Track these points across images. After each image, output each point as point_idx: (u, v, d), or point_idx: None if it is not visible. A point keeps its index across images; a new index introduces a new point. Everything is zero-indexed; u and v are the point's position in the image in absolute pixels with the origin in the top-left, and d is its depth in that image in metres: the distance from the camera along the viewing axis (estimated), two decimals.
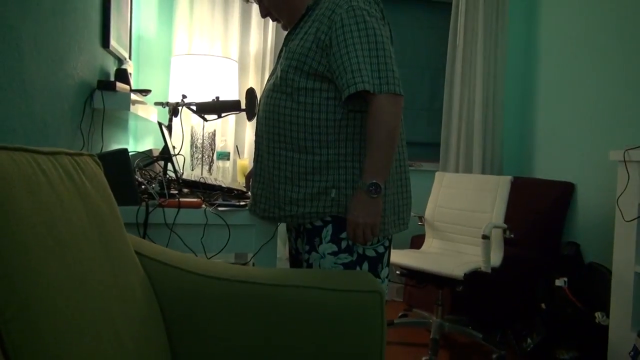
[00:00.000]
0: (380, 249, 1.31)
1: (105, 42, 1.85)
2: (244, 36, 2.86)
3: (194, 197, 1.47)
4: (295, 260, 1.47)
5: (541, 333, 2.30)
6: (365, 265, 1.29)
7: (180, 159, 2.38)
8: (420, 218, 2.69)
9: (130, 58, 2.30)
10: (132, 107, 1.67)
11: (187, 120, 2.68)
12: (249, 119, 1.98)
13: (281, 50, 1.36)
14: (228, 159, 2.33)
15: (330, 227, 1.28)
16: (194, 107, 2.07)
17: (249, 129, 2.85)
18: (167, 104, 2.18)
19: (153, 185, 1.46)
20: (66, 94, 1.43)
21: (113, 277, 0.72)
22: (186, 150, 2.64)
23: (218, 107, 2.04)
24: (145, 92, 1.97)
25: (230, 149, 2.74)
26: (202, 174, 2.35)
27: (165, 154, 1.67)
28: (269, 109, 1.30)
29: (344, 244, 1.27)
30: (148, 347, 0.77)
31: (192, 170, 2.44)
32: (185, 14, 2.76)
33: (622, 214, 2.06)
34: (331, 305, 1.03)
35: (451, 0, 3.12)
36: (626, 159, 2.04)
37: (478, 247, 2.32)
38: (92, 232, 0.70)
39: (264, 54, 2.87)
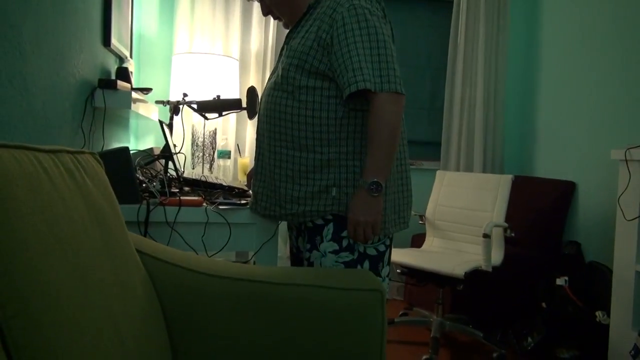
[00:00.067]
0: (381, 248, 1.31)
1: (106, 40, 1.85)
2: (245, 35, 2.86)
3: (194, 196, 1.47)
4: (296, 258, 1.47)
5: (542, 332, 2.30)
6: (366, 264, 1.29)
7: (181, 157, 2.38)
8: (421, 217, 2.69)
9: (131, 56, 2.30)
10: (133, 106, 1.67)
11: (188, 118, 2.68)
12: (250, 117, 1.98)
13: (282, 49, 1.36)
14: (229, 158, 2.33)
15: (331, 225, 1.28)
16: (194, 106, 2.07)
17: (250, 128, 2.85)
18: (168, 102, 2.18)
19: (154, 183, 1.46)
20: (67, 92, 1.43)
21: (114, 275, 0.72)
22: (187, 148, 2.64)
23: (219, 106, 2.04)
24: (146, 90, 1.97)
25: (231, 147, 2.74)
26: (203, 173, 2.35)
27: (166, 153, 1.67)
28: (270, 107, 1.31)
29: (345, 243, 1.27)
30: (149, 345, 0.78)
31: (193, 168, 2.44)
32: (186, 13, 2.76)
33: (623, 213, 2.06)
34: (332, 303, 1.03)
35: None
36: (627, 158, 2.03)
37: (479, 245, 2.32)
38: (93, 230, 0.70)
39: (265, 53, 2.87)
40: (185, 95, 2.15)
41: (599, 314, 2.18)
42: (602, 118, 2.63)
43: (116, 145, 2.12)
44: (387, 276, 1.35)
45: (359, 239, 1.23)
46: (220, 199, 1.45)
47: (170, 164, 1.69)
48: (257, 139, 1.39)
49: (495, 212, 2.40)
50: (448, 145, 3.15)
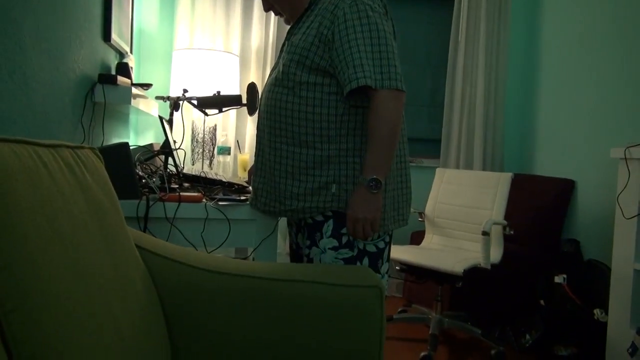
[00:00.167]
0: (381, 245, 1.31)
1: (106, 35, 1.85)
2: (246, 31, 2.85)
3: (194, 192, 1.47)
4: (296, 255, 1.48)
5: (540, 329, 2.31)
6: (366, 261, 1.29)
7: (181, 153, 2.38)
8: (421, 214, 2.69)
9: (131, 52, 2.30)
10: (133, 101, 1.67)
11: (188, 114, 2.68)
12: (250, 113, 1.98)
13: (283, 45, 1.36)
14: (229, 154, 2.33)
15: (331, 222, 1.28)
16: (195, 102, 2.07)
17: (250, 124, 2.85)
18: (168, 98, 2.18)
19: (154, 179, 1.46)
20: (67, 87, 1.43)
21: (114, 270, 0.72)
22: (187, 144, 2.64)
23: (219, 102, 2.04)
24: (146, 86, 1.97)
25: (231, 143, 2.74)
26: (202, 169, 2.35)
27: (166, 149, 1.67)
28: (271, 103, 1.30)
29: (344, 239, 1.27)
30: (148, 340, 0.78)
31: (193, 164, 2.44)
32: (186, 8, 2.75)
33: (622, 211, 2.06)
34: (331, 299, 1.03)
35: None
36: (627, 157, 2.03)
37: (478, 243, 2.32)
38: (92, 225, 0.70)
39: (266, 49, 2.86)
40: (185, 91, 2.15)
41: (597, 311, 2.19)
42: (601, 117, 2.63)
43: (116, 140, 2.12)
44: (387, 273, 1.35)
45: (358, 235, 1.24)
46: (220, 195, 1.45)
47: (170, 160, 1.69)
48: (257, 135, 1.39)
49: (494, 209, 2.40)
50: (448, 142, 3.15)
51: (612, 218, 2.21)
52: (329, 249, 1.28)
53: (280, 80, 1.28)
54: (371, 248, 1.29)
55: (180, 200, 1.35)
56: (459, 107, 3.10)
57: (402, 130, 1.33)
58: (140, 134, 2.75)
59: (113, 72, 1.97)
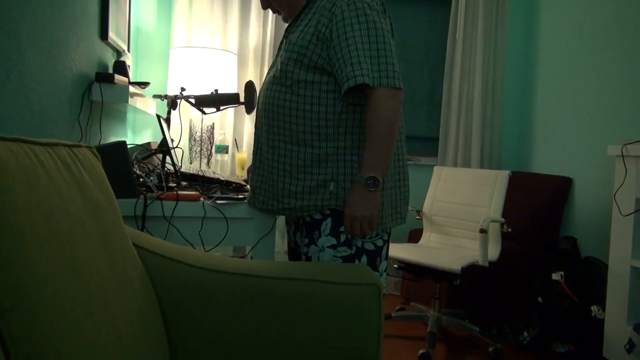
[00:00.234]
0: (379, 243, 1.32)
1: (103, 34, 1.84)
2: (243, 29, 2.85)
3: (192, 190, 1.47)
4: (294, 253, 1.48)
5: (537, 326, 2.32)
6: (364, 259, 1.29)
7: (178, 152, 2.38)
8: (419, 212, 2.70)
9: (129, 50, 2.29)
10: (130, 100, 1.67)
11: (186, 113, 2.67)
12: (248, 112, 1.98)
13: (281, 43, 1.36)
14: (226, 152, 2.33)
15: (329, 220, 1.28)
16: (192, 100, 2.07)
17: (248, 123, 2.84)
18: (166, 96, 2.18)
19: (151, 178, 1.46)
20: (64, 85, 1.42)
21: (111, 269, 0.72)
22: (185, 143, 2.64)
23: (217, 100, 2.04)
24: (143, 84, 1.96)
25: (229, 142, 2.74)
26: (200, 168, 2.35)
27: (164, 147, 1.67)
28: (269, 102, 1.30)
29: (343, 237, 1.27)
30: (145, 339, 0.78)
31: (191, 163, 2.44)
32: (184, 7, 2.75)
33: (619, 208, 2.07)
34: (329, 297, 1.03)
35: None
36: (624, 154, 2.04)
37: (476, 241, 2.33)
38: (90, 224, 0.70)
39: (263, 47, 2.86)
40: (183, 89, 2.14)
41: (594, 308, 2.20)
42: (599, 114, 2.63)
43: (113, 139, 2.11)
44: (385, 271, 1.35)
45: (355, 233, 1.24)
46: (218, 194, 1.45)
47: (168, 159, 1.69)
48: (255, 133, 1.39)
49: (492, 207, 2.41)
50: (446, 140, 3.15)
51: (609, 215, 2.22)
52: (327, 247, 1.28)
53: (278, 78, 1.28)
54: (369, 246, 1.30)
55: (178, 198, 1.35)
56: (457, 106, 3.10)
57: (399, 129, 1.33)
58: (138, 133, 2.74)
59: (110, 71, 1.97)
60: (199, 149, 2.41)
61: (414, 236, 2.86)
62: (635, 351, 1.94)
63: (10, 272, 0.53)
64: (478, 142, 3.08)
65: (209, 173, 1.75)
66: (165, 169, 1.71)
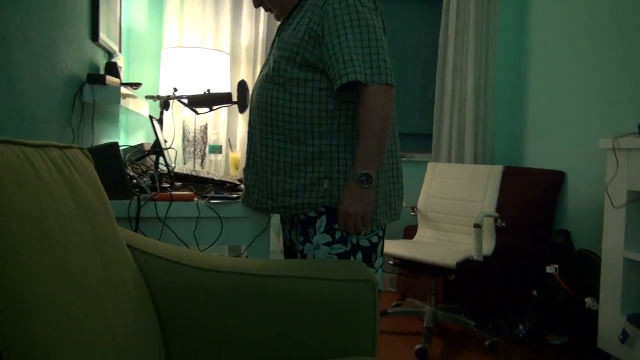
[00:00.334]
0: (374, 239, 1.32)
1: (94, 35, 1.83)
2: (236, 28, 2.84)
3: (186, 191, 1.47)
4: (290, 251, 1.48)
5: (532, 319, 2.34)
6: (359, 256, 1.29)
7: (172, 152, 2.37)
8: (413, 208, 2.71)
9: (120, 51, 2.28)
10: (122, 101, 1.66)
11: (179, 113, 2.67)
12: (241, 111, 1.97)
13: (274, 41, 1.36)
14: (220, 152, 2.33)
15: (324, 217, 1.28)
16: (185, 100, 2.06)
17: (241, 122, 2.84)
18: (158, 97, 2.17)
19: (144, 179, 1.46)
20: (55, 87, 1.42)
21: (104, 270, 0.72)
22: (178, 144, 2.63)
23: (209, 100, 2.03)
24: (135, 85, 1.96)
25: (223, 142, 2.73)
26: (194, 168, 2.35)
27: (157, 148, 1.67)
28: (262, 100, 1.30)
29: (338, 235, 1.28)
30: (140, 339, 0.78)
31: (185, 164, 2.43)
32: (175, 7, 2.74)
33: (611, 201, 2.09)
34: (324, 294, 1.04)
35: None
36: (615, 147, 2.06)
37: (470, 236, 2.34)
38: (82, 225, 0.70)
39: (256, 46, 2.85)
40: (175, 89, 2.14)
41: (588, 300, 2.22)
42: (590, 108, 2.65)
43: (106, 141, 2.10)
44: (380, 267, 1.36)
45: (349, 230, 1.24)
46: (212, 194, 1.45)
47: (162, 160, 1.69)
48: (249, 132, 1.39)
49: (486, 202, 2.42)
50: (439, 137, 3.16)
51: (601, 208, 2.24)
52: (322, 244, 1.28)
53: (271, 76, 1.28)
54: (364, 243, 1.30)
55: (171, 199, 1.35)
56: (450, 102, 3.12)
57: (392, 125, 1.34)
58: (131, 134, 2.73)
59: (102, 72, 1.96)
60: (192, 149, 2.41)
61: (409, 232, 2.87)
62: (629, 341, 1.96)
63: (3, 274, 0.53)
64: (471, 138, 3.09)
65: (203, 173, 1.75)
66: (159, 169, 1.71)
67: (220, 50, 2.64)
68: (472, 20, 3.07)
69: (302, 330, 1.02)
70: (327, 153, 1.26)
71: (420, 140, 3.30)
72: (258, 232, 1.43)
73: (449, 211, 2.56)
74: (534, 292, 2.38)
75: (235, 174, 2.30)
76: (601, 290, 2.13)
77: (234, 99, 2.09)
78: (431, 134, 3.18)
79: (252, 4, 1.42)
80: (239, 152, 2.54)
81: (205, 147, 2.43)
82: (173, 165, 1.74)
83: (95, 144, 1.81)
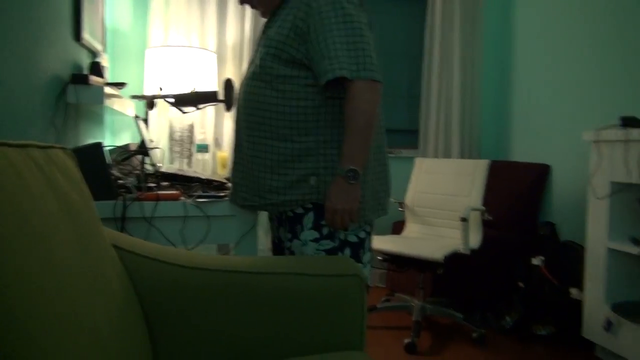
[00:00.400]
0: (362, 234, 1.33)
1: (77, 35, 1.82)
2: (221, 27, 2.83)
3: (173, 190, 1.46)
4: (278, 249, 1.48)
5: (519, 311, 2.37)
6: (348, 251, 1.30)
7: (159, 152, 2.36)
8: (401, 204, 2.73)
9: (105, 51, 2.26)
10: (107, 101, 1.65)
11: (165, 113, 2.65)
12: (227, 109, 1.97)
13: (260, 39, 1.36)
14: (207, 152, 2.32)
15: (311, 214, 1.29)
16: (170, 100, 2.05)
17: (228, 121, 2.83)
18: (144, 97, 2.15)
19: (130, 178, 1.45)
20: (38, 87, 1.40)
21: (89, 270, 0.72)
22: (165, 143, 2.62)
23: (195, 99, 2.02)
24: (120, 85, 1.94)
25: (210, 141, 2.72)
26: (181, 167, 2.34)
27: (142, 148, 1.66)
28: (248, 97, 1.30)
29: (325, 231, 1.28)
30: (126, 338, 0.78)
31: (172, 163, 2.42)
32: (160, 5, 2.72)
33: (594, 192, 2.12)
34: (311, 290, 1.04)
35: None
36: (598, 139, 2.09)
37: (458, 230, 2.36)
38: (65, 225, 0.70)
39: (242, 45, 2.85)
40: (160, 89, 2.12)
41: (573, 290, 2.26)
42: (574, 102, 2.69)
43: (91, 141, 2.09)
44: (369, 262, 1.37)
45: (337, 226, 1.25)
46: (199, 192, 1.45)
47: (148, 159, 1.68)
48: (235, 130, 1.39)
49: (472, 196, 2.45)
50: (426, 132, 3.18)
51: (585, 200, 2.28)
52: (310, 240, 1.29)
53: (258, 74, 1.28)
54: (352, 238, 1.31)
55: (157, 198, 1.34)
56: (436, 97, 3.14)
57: (379, 121, 1.35)
58: (117, 135, 2.71)
59: (86, 72, 1.94)
60: (179, 148, 2.40)
61: (398, 228, 2.89)
62: (613, 330, 2.00)
63: None
64: (458, 133, 3.12)
65: (190, 172, 1.74)
66: (145, 169, 1.70)
67: (207, 49, 2.63)
68: (458, 16, 3.09)
69: (290, 326, 1.03)
70: (313, 150, 1.26)
71: (408, 136, 3.32)
72: (246, 230, 1.43)
73: (437, 206, 2.59)
74: (521, 284, 2.42)
75: (223, 173, 2.30)
76: (585, 280, 2.17)
77: (221, 97, 2.08)
78: (418, 130, 3.20)
79: (237, 1, 1.41)
80: (227, 151, 2.53)
81: (192, 147, 2.42)
82: (160, 164, 1.74)
83: (80, 144, 1.80)
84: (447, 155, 3.15)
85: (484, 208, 2.35)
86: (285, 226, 1.35)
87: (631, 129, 1.93)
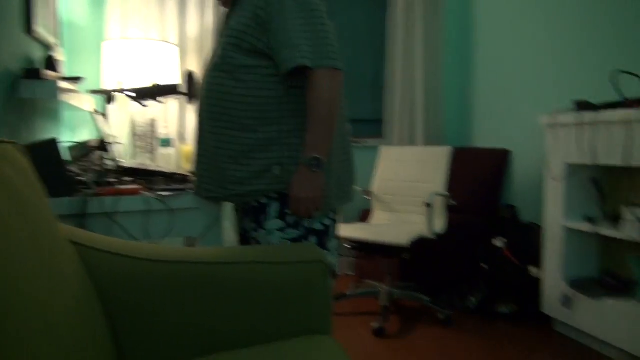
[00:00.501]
0: (327, 222, 1.34)
1: (28, 28, 1.75)
2: (182, 19, 2.78)
3: (136, 185, 1.44)
4: (244, 240, 1.48)
5: (483, 291, 2.46)
6: (313, 239, 1.31)
7: (120, 147, 2.31)
8: (368, 192, 2.76)
9: (60, 45, 2.19)
10: (64, 96, 1.60)
11: (126, 107, 2.59)
12: (189, 102, 1.95)
13: (222, 29, 1.35)
14: (171, 146, 2.29)
15: (276, 203, 1.29)
16: (129, 94, 2.01)
17: (192, 115, 2.80)
18: (102, 91, 2.10)
19: (89, 174, 1.42)
20: None
21: (42, 267, 0.70)
22: (128, 138, 2.56)
23: (155, 92, 1.99)
24: (76, 79, 1.89)
25: (173, 135, 2.68)
26: (144, 162, 2.29)
27: (101, 143, 1.62)
28: (211, 88, 1.29)
29: (290, 220, 1.29)
30: (85, 336, 0.77)
31: (134, 158, 2.38)
32: None
33: (550, 174, 2.21)
34: (275, 278, 1.05)
35: None
36: (554, 123, 2.18)
37: (423, 216, 2.42)
38: (16, 222, 0.68)
39: (204, 36, 2.80)
40: (119, 83, 2.07)
41: (533, 269, 2.35)
42: (532, 88, 2.78)
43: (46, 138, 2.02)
44: (336, 250, 1.38)
45: (301, 215, 1.26)
46: (162, 186, 1.43)
47: (108, 154, 1.64)
48: (198, 122, 1.38)
49: (436, 182, 2.51)
50: (391, 121, 3.23)
51: (543, 181, 2.37)
52: (275, 230, 1.29)
53: (220, 64, 1.27)
54: (318, 226, 1.32)
55: (117, 193, 1.32)
56: (400, 87, 3.18)
57: (342, 110, 1.36)
58: (76, 131, 2.63)
59: (39, 67, 1.87)
60: (141, 143, 2.35)
61: (365, 216, 2.93)
62: (571, 305, 2.11)
63: None
64: (422, 122, 3.18)
65: (153, 167, 1.72)
66: (105, 165, 1.66)
67: (168, 42, 2.57)
68: (420, 6, 3.14)
69: (256, 315, 1.03)
70: (277, 139, 1.27)
71: (373, 126, 3.36)
72: (210, 223, 1.43)
73: (402, 193, 2.64)
74: (484, 265, 2.50)
75: (187, 167, 2.27)
76: (544, 258, 2.27)
77: (183, 90, 2.05)
78: (383, 119, 3.24)
79: None
80: (190, 144, 2.50)
81: (155, 141, 2.38)
82: (121, 160, 1.71)
83: (35, 141, 1.74)
84: (411, 143, 3.21)
85: (447, 194, 2.41)
86: (250, 216, 1.35)
87: (584, 112, 2.02)
